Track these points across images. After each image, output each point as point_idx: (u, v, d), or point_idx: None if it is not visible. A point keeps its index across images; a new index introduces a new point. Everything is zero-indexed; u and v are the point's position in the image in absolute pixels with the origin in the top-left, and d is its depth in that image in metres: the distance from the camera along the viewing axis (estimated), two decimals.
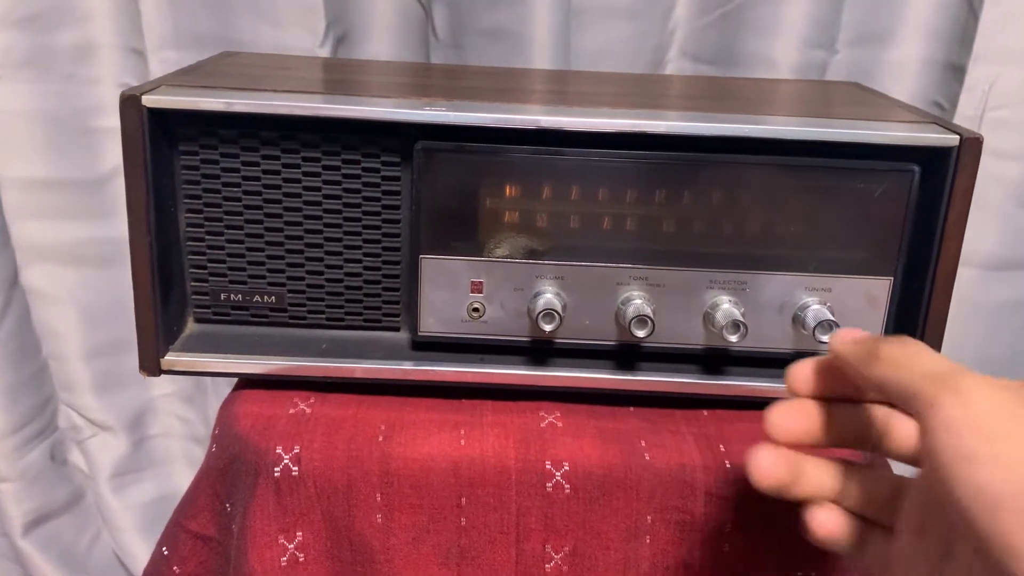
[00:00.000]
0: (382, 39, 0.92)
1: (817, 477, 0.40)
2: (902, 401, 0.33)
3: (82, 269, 0.99)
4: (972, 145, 0.50)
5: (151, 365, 0.54)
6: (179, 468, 1.14)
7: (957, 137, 0.51)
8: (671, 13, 0.91)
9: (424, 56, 0.94)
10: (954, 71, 0.90)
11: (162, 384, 1.08)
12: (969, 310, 0.95)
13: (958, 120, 0.88)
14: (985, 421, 0.28)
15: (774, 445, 0.40)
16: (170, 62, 0.89)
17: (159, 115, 0.50)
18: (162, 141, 0.52)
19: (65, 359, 1.03)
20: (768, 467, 0.39)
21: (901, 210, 0.53)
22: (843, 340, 0.38)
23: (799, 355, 0.55)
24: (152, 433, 1.11)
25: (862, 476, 0.41)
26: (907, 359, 0.34)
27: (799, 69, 0.90)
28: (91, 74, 0.92)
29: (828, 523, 0.40)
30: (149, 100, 0.50)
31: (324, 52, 0.88)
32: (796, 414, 0.40)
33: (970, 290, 0.94)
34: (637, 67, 0.93)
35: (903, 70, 0.92)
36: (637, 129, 0.51)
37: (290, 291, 0.56)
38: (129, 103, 0.49)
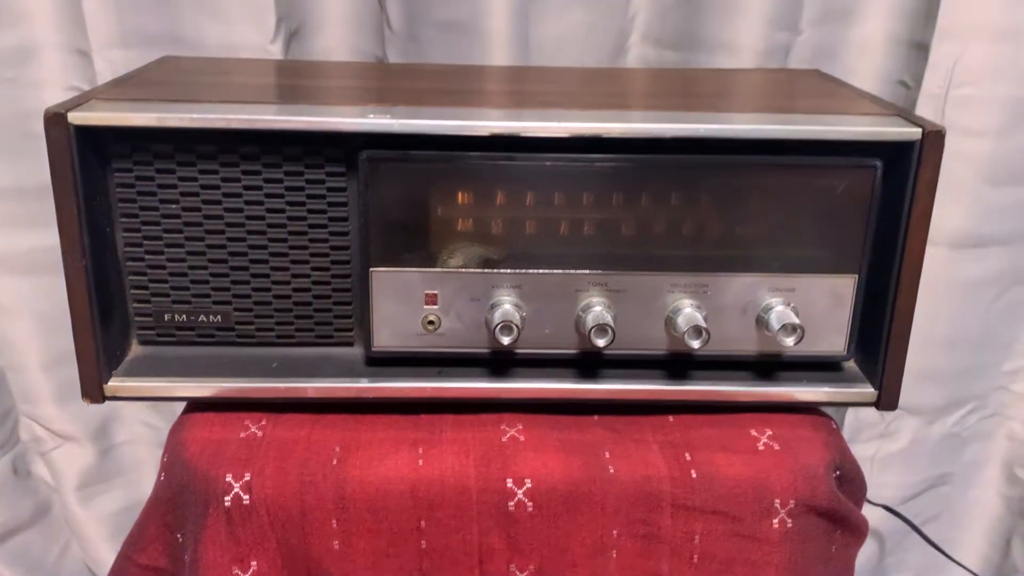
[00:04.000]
0: (335, 33, 0.89)
1: None
2: None
3: (37, 278, 0.95)
4: (934, 138, 0.49)
5: (94, 391, 0.52)
6: (148, 475, 1.11)
7: (919, 130, 0.49)
8: None
9: (379, 49, 0.91)
10: (918, 48, 0.88)
11: None
12: (939, 289, 0.94)
13: (923, 98, 0.87)
14: None
15: None
16: (116, 62, 0.86)
17: (88, 132, 0.48)
18: (92, 159, 0.49)
19: (24, 370, 1.00)
20: None
21: (864, 206, 0.51)
22: None
23: (763, 357, 0.55)
24: (119, 441, 1.09)
25: None
26: None
27: (763, 51, 0.88)
28: (34, 76, 0.88)
29: None
30: (76, 117, 0.47)
31: (276, 48, 0.85)
32: None
33: (939, 269, 0.93)
34: (599, 55, 0.91)
35: (868, 48, 0.91)
36: (592, 132, 0.49)
37: (237, 309, 0.53)
38: (54, 121, 0.47)
